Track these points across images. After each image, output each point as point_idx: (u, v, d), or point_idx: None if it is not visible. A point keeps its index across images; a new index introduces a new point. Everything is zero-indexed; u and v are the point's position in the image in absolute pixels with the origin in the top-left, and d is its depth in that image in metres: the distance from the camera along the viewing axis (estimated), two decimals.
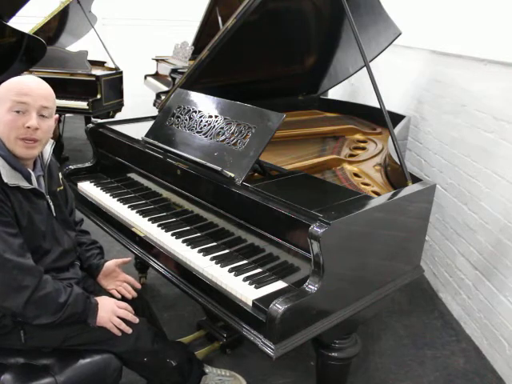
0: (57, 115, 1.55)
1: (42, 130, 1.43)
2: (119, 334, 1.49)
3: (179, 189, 1.86)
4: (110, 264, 1.74)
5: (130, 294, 1.71)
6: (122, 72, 4.75)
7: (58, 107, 1.54)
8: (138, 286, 1.77)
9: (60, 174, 1.70)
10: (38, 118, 1.41)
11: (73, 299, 1.42)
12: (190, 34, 4.86)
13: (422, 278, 2.95)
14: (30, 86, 1.42)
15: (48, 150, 1.59)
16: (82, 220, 1.88)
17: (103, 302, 1.52)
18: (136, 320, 1.54)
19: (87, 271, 1.73)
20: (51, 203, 1.56)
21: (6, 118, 1.39)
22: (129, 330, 1.50)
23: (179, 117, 1.99)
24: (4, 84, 1.44)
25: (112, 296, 1.66)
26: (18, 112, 1.39)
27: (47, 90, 1.47)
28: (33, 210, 1.46)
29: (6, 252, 1.32)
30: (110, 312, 1.49)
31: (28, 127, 1.39)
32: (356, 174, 1.99)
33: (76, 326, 1.46)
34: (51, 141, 1.60)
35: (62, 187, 1.68)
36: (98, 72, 4.49)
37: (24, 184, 1.43)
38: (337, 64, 2.81)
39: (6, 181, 1.38)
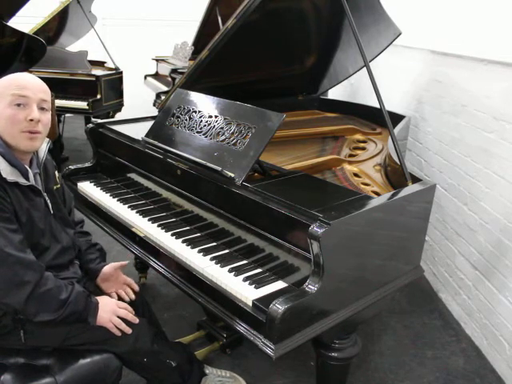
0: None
1: (42, 123, 1.45)
2: (119, 334, 1.49)
3: (179, 189, 1.86)
4: (107, 269, 1.71)
5: (129, 296, 1.71)
6: (121, 72, 4.75)
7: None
8: (136, 288, 1.77)
9: (57, 173, 1.71)
10: (38, 111, 1.43)
11: (74, 297, 1.42)
12: (190, 34, 4.86)
13: (421, 278, 2.95)
14: (28, 80, 1.45)
15: (44, 148, 1.60)
16: (83, 221, 1.87)
17: (104, 301, 1.52)
18: (136, 320, 1.54)
19: (86, 274, 1.73)
20: (48, 201, 1.57)
21: (6, 113, 1.40)
22: (129, 331, 1.50)
23: (179, 117, 1.99)
24: None
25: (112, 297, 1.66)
26: (18, 105, 1.40)
27: (44, 84, 1.49)
28: (31, 207, 1.47)
29: (6, 247, 1.33)
30: (111, 312, 1.49)
31: (31, 120, 1.40)
32: (356, 174, 1.98)
33: (76, 326, 1.46)
34: (47, 139, 1.60)
35: (59, 185, 1.69)
36: (98, 72, 4.50)
37: (22, 180, 1.44)
38: (337, 64, 2.81)
39: (4, 176, 1.38)
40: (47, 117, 1.48)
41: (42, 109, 1.45)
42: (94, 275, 1.71)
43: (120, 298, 1.68)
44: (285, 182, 1.69)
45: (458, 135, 2.64)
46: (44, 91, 1.46)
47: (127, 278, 1.77)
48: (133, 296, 1.73)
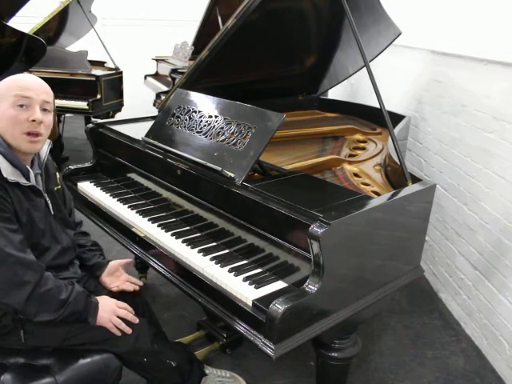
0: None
1: (44, 125, 1.45)
2: (119, 334, 1.49)
3: (179, 189, 1.86)
4: (114, 263, 1.75)
5: (133, 288, 1.72)
6: (121, 72, 4.75)
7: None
8: (140, 283, 1.78)
9: (58, 174, 1.71)
10: (41, 112, 1.43)
11: (74, 297, 1.43)
12: (190, 34, 4.86)
13: (421, 278, 2.95)
14: (31, 81, 1.45)
15: (45, 149, 1.60)
16: (81, 222, 1.88)
17: (103, 301, 1.52)
18: (136, 320, 1.54)
19: (90, 270, 1.73)
20: (49, 201, 1.57)
21: (9, 114, 1.40)
22: (129, 331, 1.50)
23: (179, 117, 1.99)
24: (1, 82, 1.45)
25: (112, 295, 1.66)
26: (21, 106, 1.40)
27: (46, 85, 1.50)
28: (32, 208, 1.47)
29: (6, 247, 1.33)
30: (110, 312, 1.49)
31: (33, 120, 1.41)
32: (356, 174, 1.98)
33: (76, 326, 1.46)
34: (48, 140, 1.61)
35: (59, 186, 1.69)
36: (98, 72, 4.49)
37: (23, 181, 1.44)
38: (337, 64, 2.81)
39: (5, 176, 1.38)
40: (49, 118, 1.48)
41: (44, 110, 1.45)
42: (99, 270, 1.72)
43: (121, 297, 1.69)
44: (285, 182, 1.69)
45: (458, 135, 2.64)
46: (46, 92, 1.47)
47: (129, 276, 1.78)
48: (137, 287, 1.74)
